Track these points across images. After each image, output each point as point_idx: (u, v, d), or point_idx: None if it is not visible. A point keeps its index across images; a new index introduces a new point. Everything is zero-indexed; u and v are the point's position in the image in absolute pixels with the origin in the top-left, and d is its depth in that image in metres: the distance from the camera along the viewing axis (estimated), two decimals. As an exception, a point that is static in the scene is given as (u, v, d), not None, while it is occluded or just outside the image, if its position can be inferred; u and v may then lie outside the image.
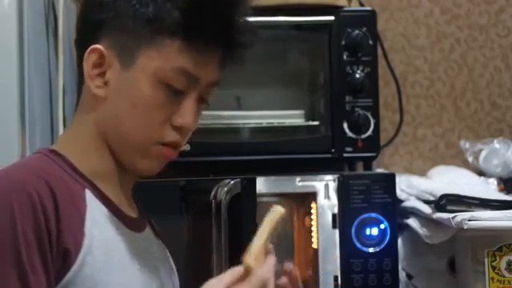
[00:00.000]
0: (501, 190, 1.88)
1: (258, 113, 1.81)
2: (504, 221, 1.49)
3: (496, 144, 1.97)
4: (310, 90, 1.86)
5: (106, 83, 1.07)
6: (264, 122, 1.80)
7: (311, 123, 1.80)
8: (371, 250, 1.63)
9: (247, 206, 1.41)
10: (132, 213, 1.16)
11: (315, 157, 1.76)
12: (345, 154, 1.74)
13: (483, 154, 1.97)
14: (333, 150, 1.74)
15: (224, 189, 1.41)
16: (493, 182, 1.92)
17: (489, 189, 1.86)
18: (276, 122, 1.80)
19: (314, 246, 1.69)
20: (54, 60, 1.57)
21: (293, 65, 1.87)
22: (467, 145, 2.00)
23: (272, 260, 1.02)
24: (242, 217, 1.40)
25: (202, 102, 1.12)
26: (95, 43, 1.07)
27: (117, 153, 1.10)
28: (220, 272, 1.02)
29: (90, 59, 1.07)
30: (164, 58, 1.06)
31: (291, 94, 1.87)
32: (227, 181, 1.42)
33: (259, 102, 1.84)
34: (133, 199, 1.18)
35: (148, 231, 1.18)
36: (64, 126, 1.55)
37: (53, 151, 1.09)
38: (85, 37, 1.10)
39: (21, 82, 1.38)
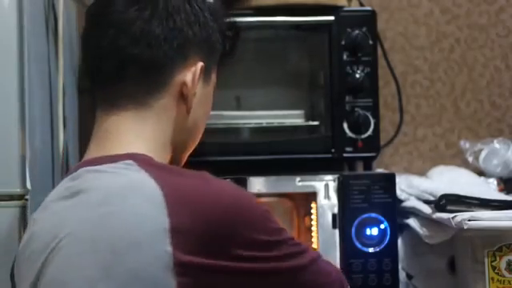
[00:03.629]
0: (501, 190, 1.88)
1: (258, 113, 1.81)
2: (504, 221, 1.49)
3: (496, 144, 1.96)
4: (310, 89, 1.86)
5: (193, 96, 1.19)
6: (264, 122, 1.80)
7: (311, 123, 1.80)
8: (371, 250, 1.63)
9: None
10: None
11: (315, 157, 1.76)
12: (345, 154, 1.74)
13: (483, 154, 1.97)
14: (333, 150, 1.74)
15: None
16: (493, 182, 1.92)
17: (489, 189, 1.86)
18: (276, 121, 1.80)
19: (314, 245, 1.69)
20: (54, 60, 1.57)
21: (293, 65, 1.87)
22: (467, 145, 2.00)
23: None
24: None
25: None
26: (185, 59, 1.17)
27: (176, 154, 1.20)
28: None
29: (199, 75, 1.18)
30: (215, 74, 1.24)
31: (291, 93, 1.87)
32: (227, 181, 1.42)
33: (259, 102, 1.83)
34: None
35: None
36: (64, 126, 1.55)
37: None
38: (176, 49, 1.16)
39: (21, 82, 1.38)
